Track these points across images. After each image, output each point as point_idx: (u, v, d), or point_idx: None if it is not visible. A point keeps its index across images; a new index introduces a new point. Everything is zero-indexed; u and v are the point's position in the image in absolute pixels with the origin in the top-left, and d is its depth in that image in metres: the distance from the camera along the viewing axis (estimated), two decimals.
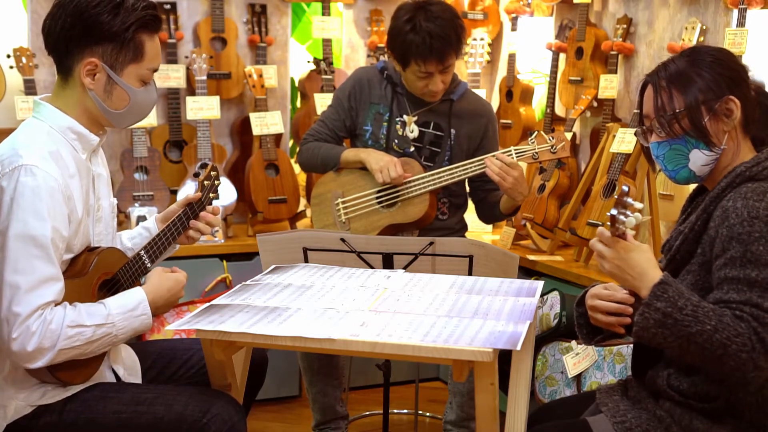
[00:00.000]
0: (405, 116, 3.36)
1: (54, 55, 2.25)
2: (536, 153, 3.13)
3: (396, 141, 3.37)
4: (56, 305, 2.12)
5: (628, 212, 1.91)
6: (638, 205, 1.91)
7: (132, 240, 2.56)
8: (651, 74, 2.13)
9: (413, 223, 3.29)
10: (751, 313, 1.86)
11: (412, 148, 3.37)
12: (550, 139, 3.13)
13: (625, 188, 1.91)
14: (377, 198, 3.33)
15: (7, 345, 2.08)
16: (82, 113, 2.25)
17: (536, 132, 3.17)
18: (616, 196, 1.92)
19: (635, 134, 2.19)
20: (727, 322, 1.86)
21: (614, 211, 1.92)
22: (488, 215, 3.47)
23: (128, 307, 2.22)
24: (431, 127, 3.36)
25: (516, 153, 3.13)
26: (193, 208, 2.52)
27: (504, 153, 3.14)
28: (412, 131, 3.36)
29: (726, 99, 2.04)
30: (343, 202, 3.39)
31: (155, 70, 2.29)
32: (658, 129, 2.09)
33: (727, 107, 2.04)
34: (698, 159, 2.07)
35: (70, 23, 2.18)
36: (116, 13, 2.18)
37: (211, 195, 2.58)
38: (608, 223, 1.95)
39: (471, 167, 3.20)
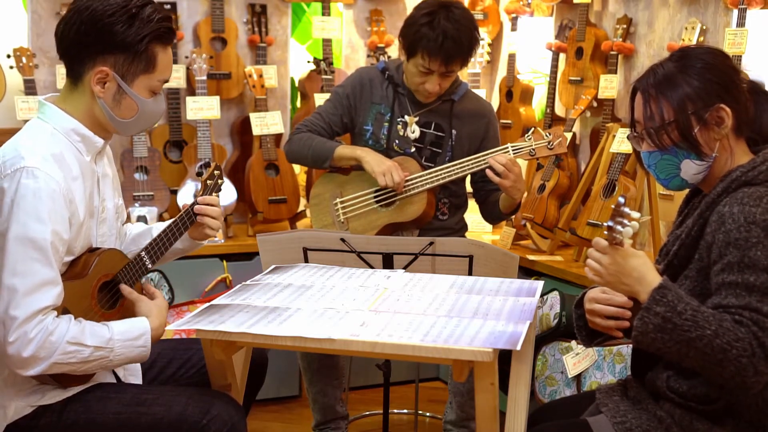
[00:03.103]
0: (406, 116, 3.36)
1: (65, 60, 2.24)
2: (533, 149, 3.13)
3: (397, 141, 3.36)
4: (59, 313, 2.12)
5: (626, 221, 1.90)
6: (635, 214, 1.89)
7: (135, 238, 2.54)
8: (640, 80, 2.10)
9: (412, 222, 3.29)
10: (751, 317, 1.86)
11: (413, 149, 3.36)
12: (546, 136, 3.13)
13: (621, 199, 1.89)
14: (375, 197, 3.33)
15: (2, 348, 2.07)
16: (89, 118, 2.24)
17: (533, 128, 3.17)
18: (612, 207, 1.91)
19: (628, 138, 2.18)
20: (727, 327, 1.85)
21: (611, 222, 1.91)
22: (491, 215, 3.47)
23: (131, 336, 2.21)
24: (432, 127, 3.36)
25: (513, 150, 3.13)
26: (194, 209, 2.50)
27: (501, 150, 3.14)
28: (413, 132, 3.35)
29: (717, 107, 2.00)
30: (342, 202, 3.39)
31: (166, 81, 2.29)
32: (647, 139, 2.07)
33: (718, 116, 2.01)
34: (690, 169, 2.06)
35: (84, 30, 2.17)
36: (131, 23, 2.17)
37: (214, 194, 2.57)
38: (605, 233, 1.94)
39: (468, 165, 3.20)
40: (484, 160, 3.14)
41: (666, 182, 2.11)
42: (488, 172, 3.10)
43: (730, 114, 2.01)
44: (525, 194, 4.02)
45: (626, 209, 1.89)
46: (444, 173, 3.23)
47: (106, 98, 2.21)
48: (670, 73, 2.04)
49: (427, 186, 3.24)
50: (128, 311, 2.30)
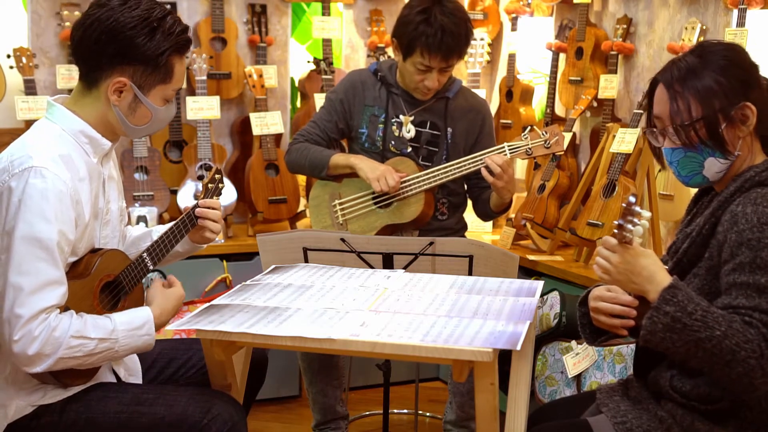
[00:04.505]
0: (401, 116, 3.35)
1: (80, 65, 2.24)
2: (530, 148, 3.14)
3: (393, 142, 3.36)
4: (61, 311, 2.12)
5: (636, 220, 1.89)
6: (646, 213, 1.89)
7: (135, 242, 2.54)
8: (663, 74, 2.07)
9: (411, 222, 3.29)
10: (761, 319, 1.86)
11: (409, 149, 3.36)
12: (543, 134, 3.13)
13: (632, 198, 1.88)
14: (373, 199, 3.33)
15: (8, 346, 2.08)
16: (100, 122, 2.25)
17: (530, 127, 3.17)
18: (623, 205, 1.90)
19: (645, 134, 2.17)
20: (737, 328, 1.85)
21: (621, 221, 1.90)
22: (483, 213, 3.47)
23: (134, 325, 2.22)
24: (428, 126, 3.36)
25: (509, 149, 3.14)
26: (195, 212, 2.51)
27: (497, 149, 3.14)
28: (409, 131, 3.35)
29: (742, 105, 2.00)
30: (340, 204, 3.38)
31: (179, 89, 2.30)
32: (672, 135, 2.06)
33: (743, 113, 2.01)
34: (713, 166, 2.05)
35: (105, 40, 2.17)
36: (152, 36, 2.17)
37: (215, 198, 2.57)
38: (615, 231, 1.93)
39: (465, 164, 3.19)
40: (480, 159, 3.14)
41: (687, 179, 2.10)
42: (483, 170, 3.10)
43: (754, 111, 2.01)
44: (525, 194, 4.04)
45: (637, 208, 1.88)
46: (441, 173, 3.22)
47: (121, 106, 2.22)
48: (694, 68, 2.02)
49: (425, 187, 3.24)
50: None
